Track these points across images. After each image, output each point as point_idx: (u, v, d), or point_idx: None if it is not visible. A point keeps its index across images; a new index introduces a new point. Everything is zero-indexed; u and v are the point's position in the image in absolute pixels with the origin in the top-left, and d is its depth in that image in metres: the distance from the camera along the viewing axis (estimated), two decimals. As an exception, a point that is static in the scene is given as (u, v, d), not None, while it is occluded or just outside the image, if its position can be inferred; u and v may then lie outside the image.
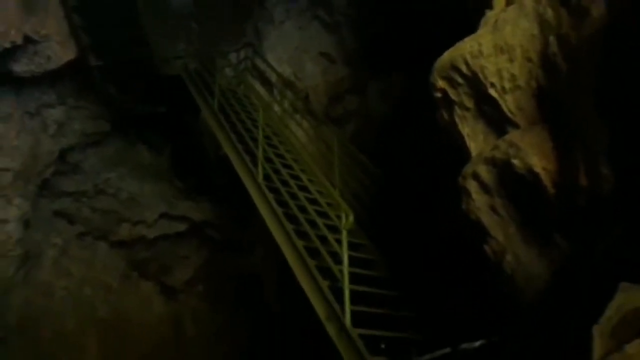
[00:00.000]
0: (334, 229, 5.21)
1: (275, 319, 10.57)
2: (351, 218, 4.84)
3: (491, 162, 3.60)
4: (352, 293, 4.78)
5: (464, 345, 3.90)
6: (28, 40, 7.57)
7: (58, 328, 9.55)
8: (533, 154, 3.35)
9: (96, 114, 9.26)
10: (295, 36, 8.65)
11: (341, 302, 4.74)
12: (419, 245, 5.36)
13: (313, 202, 5.73)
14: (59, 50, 7.82)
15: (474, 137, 3.91)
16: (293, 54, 8.68)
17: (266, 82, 8.44)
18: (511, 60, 3.63)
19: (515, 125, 3.67)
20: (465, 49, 3.75)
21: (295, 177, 6.05)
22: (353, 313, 4.69)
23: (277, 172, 6.04)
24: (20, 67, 7.84)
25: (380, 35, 8.08)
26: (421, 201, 5.69)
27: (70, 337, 9.59)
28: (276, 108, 8.30)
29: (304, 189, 5.87)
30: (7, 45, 7.30)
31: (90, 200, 10.21)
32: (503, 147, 3.53)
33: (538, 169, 3.31)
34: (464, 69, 3.78)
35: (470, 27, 4.03)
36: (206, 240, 11.09)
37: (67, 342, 9.44)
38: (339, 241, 4.93)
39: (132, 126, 9.67)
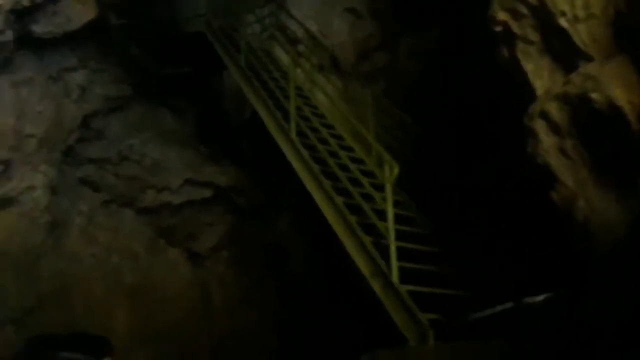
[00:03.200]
0: (375, 186, 4.85)
1: (301, 286, 10.35)
2: (396, 170, 4.48)
3: (563, 98, 3.21)
4: (396, 250, 4.46)
5: (527, 300, 3.56)
6: (47, -1, 7.21)
7: (87, 295, 9.35)
8: (615, 87, 2.96)
9: (118, 78, 8.88)
10: (322, -9, 8.18)
11: (386, 259, 4.42)
12: (465, 200, 5.00)
13: (348, 158, 5.35)
14: (79, 10, 7.43)
15: (539, 74, 3.51)
16: (319, 10, 8.21)
17: (291, 40, 8.01)
18: (585, -15, 3.21)
19: (589, 59, 3.27)
20: (532, -25, 3.33)
21: (329, 134, 5.68)
22: (399, 270, 4.36)
23: (310, 128, 5.67)
24: (40, 28, 7.46)
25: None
26: (466, 154, 5.30)
27: (100, 304, 9.39)
28: (302, 66, 7.87)
29: (339, 145, 5.50)
30: (27, 3, 6.93)
31: (115, 167, 9.90)
32: (578, 81, 3.14)
33: (621, 102, 2.92)
34: (530, -3, 3.37)
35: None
36: (232, 207, 10.77)
37: (97, 309, 9.25)
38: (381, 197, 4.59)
39: (155, 90, 9.29)
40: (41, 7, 7.20)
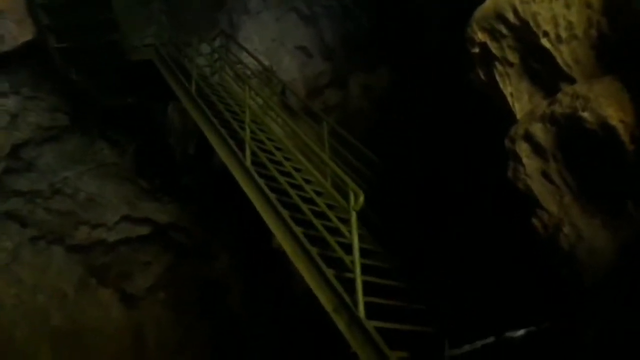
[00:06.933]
0: (337, 217, 4.46)
1: (240, 326, 9.69)
2: (361, 198, 4.11)
3: (550, 119, 2.98)
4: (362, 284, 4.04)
5: (508, 334, 3.23)
6: (-21, 17, 6.50)
7: (8, 340, 8.31)
8: (607, 105, 2.74)
9: (54, 106, 8.18)
10: (272, 28, 7.93)
11: (351, 293, 3.99)
12: (435, 231, 4.68)
13: (304, 188, 4.97)
14: (14, 30, 6.76)
15: (519, 96, 3.29)
16: (270, 46, 7.96)
17: (244, 72, 7.64)
18: (568, 7, 3.04)
19: (571, 80, 3.08)
20: (514, -6, 3.14)
21: (287, 163, 5.28)
22: (365, 305, 3.94)
23: (268, 159, 5.26)
24: (-31, 47, 6.75)
25: (362, 29, 7.49)
26: (434, 184, 5.02)
27: (21, 348, 8.35)
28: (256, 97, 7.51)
29: (295, 173, 5.11)
30: (-45, 20, 6.22)
31: (46, 200, 9.04)
32: (566, 100, 2.91)
33: (614, 121, 2.70)
34: (511, 17, 3.16)
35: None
36: (170, 245, 10.07)
37: (18, 353, 8.20)
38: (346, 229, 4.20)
39: (94, 121, 8.62)
40: (-28, 25, 6.49)
